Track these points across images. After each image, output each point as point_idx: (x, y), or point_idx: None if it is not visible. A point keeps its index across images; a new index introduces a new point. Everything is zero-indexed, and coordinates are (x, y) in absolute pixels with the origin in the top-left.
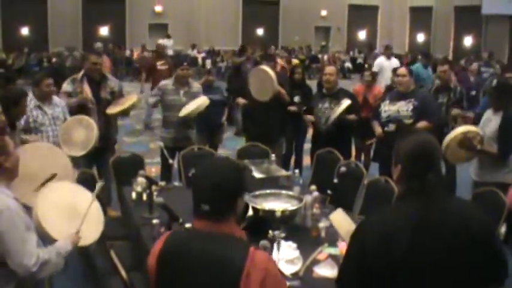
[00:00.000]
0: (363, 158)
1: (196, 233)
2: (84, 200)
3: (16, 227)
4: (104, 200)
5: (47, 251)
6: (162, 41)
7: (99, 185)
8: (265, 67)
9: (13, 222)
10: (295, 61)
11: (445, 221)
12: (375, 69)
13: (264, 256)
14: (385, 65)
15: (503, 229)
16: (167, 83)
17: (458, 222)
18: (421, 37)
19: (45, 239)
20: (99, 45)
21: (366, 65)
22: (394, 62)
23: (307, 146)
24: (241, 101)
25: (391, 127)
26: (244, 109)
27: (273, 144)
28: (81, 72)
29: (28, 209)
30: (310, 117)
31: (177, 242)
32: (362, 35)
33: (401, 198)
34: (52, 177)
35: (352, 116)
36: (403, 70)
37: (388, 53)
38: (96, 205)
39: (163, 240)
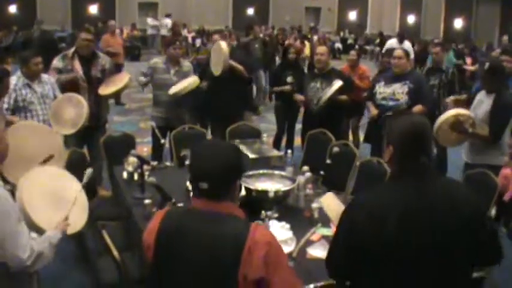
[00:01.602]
0: (351, 138)
1: (195, 211)
2: (70, 186)
3: (8, 218)
4: (94, 179)
5: (40, 242)
6: (164, 21)
7: (88, 172)
8: (220, 42)
9: (5, 213)
10: (322, 48)
11: (437, 202)
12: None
13: (266, 231)
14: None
15: (493, 211)
16: (157, 61)
17: (450, 203)
18: (411, 19)
19: (29, 226)
20: (91, 28)
21: (357, 46)
22: (407, 45)
23: (298, 126)
24: (203, 83)
25: (389, 113)
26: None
27: (239, 119)
28: (72, 49)
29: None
30: (300, 97)
31: (176, 219)
32: (352, 15)
33: (393, 179)
34: (49, 158)
35: (343, 97)
36: (399, 52)
37: (401, 36)
38: (82, 192)
39: (161, 217)
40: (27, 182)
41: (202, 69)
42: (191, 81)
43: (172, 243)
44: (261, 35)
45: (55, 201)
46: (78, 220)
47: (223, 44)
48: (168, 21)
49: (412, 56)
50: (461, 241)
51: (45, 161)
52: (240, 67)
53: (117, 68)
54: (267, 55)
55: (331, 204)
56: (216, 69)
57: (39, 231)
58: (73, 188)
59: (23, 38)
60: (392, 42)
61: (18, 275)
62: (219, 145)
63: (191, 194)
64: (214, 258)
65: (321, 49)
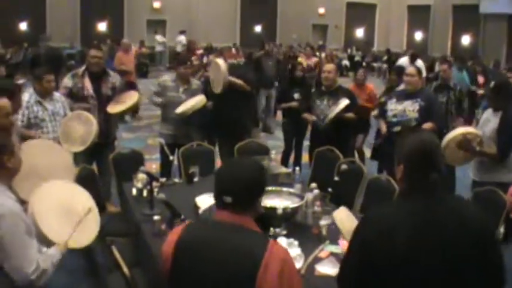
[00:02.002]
0: (356, 155)
1: (216, 223)
2: (82, 203)
3: (18, 231)
4: (103, 195)
5: (46, 259)
6: (178, 38)
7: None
8: (217, 60)
9: (15, 226)
10: (329, 66)
11: (446, 220)
12: None
13: (282, 249)
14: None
15: (501, 229)
16: (167, 79)
17: (459, 221)
18: (419, 35)
19: (39, 238)
20: (103, 48)
21: (364, 63)
22: (419, 64)
23: (306, 143)
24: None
25: (396, 129)
26: (211, 111)
27: (246, 136)
28: (83, 67)
29: (26, 204)
30: (309, 117)
31: (195, 231)
32: (360, 32)
33: (403, 196)
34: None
35: (350, 115)
36: (412, 70)
37: (414, 55)
38: (94, 211)
39: (181, 230)
40: (40, 195)
41: (204, 88)
42: (198, 100)
43: (190, 255)
44: (275, 51)
45: (66, 214)
46: (88, 234)
47: (220, 61)
48: (183, 38)
49: (424, 74)
50: (470, 260)
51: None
52: (239, 81)
53: (130, 86)
54: (280, 73)
55: (344, 219)
56: (217, 87)
57: (49, 244)
58: (84, 202)
59: (32, 54)
60: (403, 61)
61: None
62: (244, 161)
63: (200, 210)
64: (231, 272)
65: (329, 67)
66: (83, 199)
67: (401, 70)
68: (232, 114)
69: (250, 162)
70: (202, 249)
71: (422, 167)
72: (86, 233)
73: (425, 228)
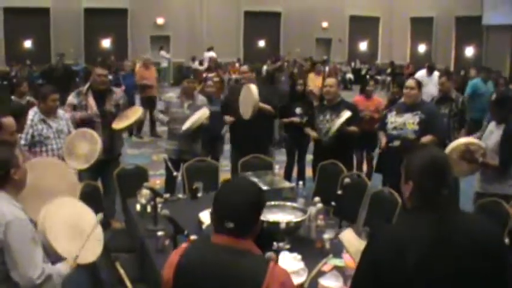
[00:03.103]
0: (364, 169)
1: (216, 247)
2: (88, 220)
3: (24, 238)
4: (107, 211)
5: (51, 267)
6: (207, 54)
7: (98, 217)
8: (250, 85)
9: (21, 233)
10: (330, 80)
11: (459, 236)
12: None
13: (283, 271)
14: (425, 80)
15: (506, 240)
16: (171, 95)
17: (471, 238)
18: (422, 48)
19: (48, 253)
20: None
21: (368, 76)
22: (435, 79)
23: (309, 157)
24: (228, 119)
25: (396, 143)
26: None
27: (264, 154)
28: (87, 85)
29: (35, 224)
30: (312, 133)
31: (196, 254)
32: (363, 46)
33: (414, 214)
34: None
35: (352, 128)
36: (411, 82)
37: (431, 67)
38: (99, 228)
39: (181, 252)
40: (49, 212)
41: (226, 103)
42: (201, 114)
43: (191, 278)
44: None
45: (73, 231)
46: (93, 251)
47: (254, 89)
48: (212, 54)
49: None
50: (482, 277)
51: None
52: (267, 108)
53: (151, 101)
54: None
55: (352, 240)
56: (246, 113)
57: (59, 259)
58: (90, 220)
59: (42, 70)
60: (421, 74)
61: None
62: (244, 184)
63: (203, 226)
64: None
65: (330, 81)
66: (89, 216)
67: (403, 82)
68: (254, 134)
69: (250, 185)
70: (203, 274)
71: (434, 183)
72: (91, 250)
73: (437, 245)
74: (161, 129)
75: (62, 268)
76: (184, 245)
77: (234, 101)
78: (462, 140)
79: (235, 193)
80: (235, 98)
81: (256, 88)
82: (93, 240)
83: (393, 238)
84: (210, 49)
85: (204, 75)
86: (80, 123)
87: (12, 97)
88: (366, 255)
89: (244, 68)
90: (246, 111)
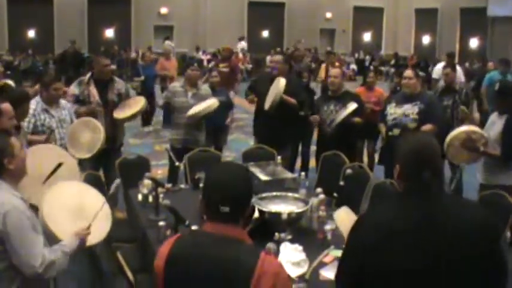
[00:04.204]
0: (365, 161)
1: (207, 237)
2: (93, 199)
3: (23, 227)
4: (112, 200)
5: (53, 250)
6: (239, 44)
7: (116, 182)
8: (281, 78)
9: (20, 222)
10: (334, 71)
11: (442, 219)
12: (434, 75)
13: (275, 261)
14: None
15: (508, 233)
16: (176, 84)
17: (456, 220)
18: (426, 39)
19: (51, 239)
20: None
21: (371, 67)
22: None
23: (313, 148)
24: (250, 98)
25: (395, 132)
26: (256, 111)
27: (281, 147)
28: (88, 75)
29: (37, 209)
30: (315, 117)
31: (186, 244)
32: (367, 37)
33: (400, 197)
34: (58, 166)
35: (357, 119)
36: (409, 72)
37: (450, 60)
38: (106, 205)
39: (172, 242)
40: (49, 196)
41: (251, 86)
42: (210, 103)
43: (182, 267)
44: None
45: (78, 213)
46: (99, 231)
47: (281, 83)
48: (244, 45)
49: (463, 79)
50: (469, 259)
51: (54, 171)
52: (291, 100)
53: None
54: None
55: (344, 218)
56: (266, 103)
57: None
58: (96, 200)
59: (56, 56)
60: (441, 67)
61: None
62: (231, 167)
63: (204, 216)
64: (223, 285)
65: (334, 71)
66: (94, 197)
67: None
68: (275, 125)
69: (238, 167)
70: (193, 264)
71: (414, 167)
72: (99, 230)
73: (420, 231)
74: (155, 119)
75: (67, 244)
76: (175, 237)
77: (260, 86)
78: (463, 128)
79: (226, 176)
80: (262, 83)
81: (284, 83)
82: (101, 221)
83: (374, 223)
84: (241, 39)
85: (210, 65)
86: (82, 115)
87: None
88: (349, 241)
89: (278, 57)
90: (267, 101)
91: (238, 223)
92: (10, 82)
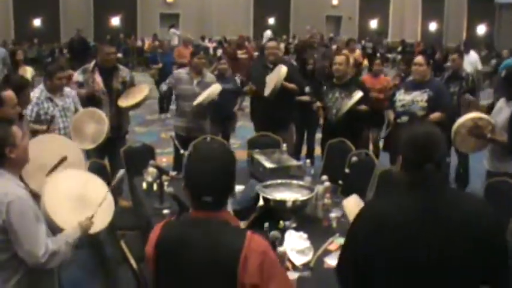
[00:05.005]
0: (371, 148)
1: (193, 221)
2: (96, 188)
3: (26, 217)
4: (115, 190)
5: (56, 240)
6: (266, 33)
7: (120, 172)
8: (282, 66)
9: (23, 212)
10: (339, 58)
11: (443, 211)
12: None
13: (261, 240)
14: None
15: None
16: (181, 71)
17: (456, 213)
18: (433, 26)
19: (53, 229)
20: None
21: (378, 54)
22: (473, 57)
23: (318, 136)
24: (249, 87)
25: (404, 119)
26: (252, 97)
27: (283, 131)
28: (93, 62)
29: (39, 199)
30: (316, 105)
31: (174, 229)
32: (373, 24)
33: (401, 188)
34: (62, 160)
35: (363, 107)
36: (419, 59)
37: (468, 44)
38: (109, 194)
39: (160, 228)
40: (51, 185)
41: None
42: (213, 89)
43: (171, 253)
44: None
45: (80, 203)
46: (101, 220)
47: (284, 69)
48: (270, 33)
49: (480, 67)
50: (468, 256)
51: (58, 164)
52: (291, 86)
53: None
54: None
55: (353, 206)
56: (266, 90)
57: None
58: (99, 189)
59: (48, 50)
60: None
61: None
62: (216, 153)
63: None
64: (213, 267)
65: (339, 59)
66: (97, 186)
67: (411, 60)
68: (273, 110)
69: (221, 151)
70: (181, 249)
71: (415, 157)
72: (101, 219)
73: (423, 220)
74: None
75: (70, 234)
76: (163, 222)
77: (255, 72)
78: (470, 115)
79: (207, 166)
80: (257, 70)
81: (285, 70)
82: (103, 210)
83: (374, 214)
84: (268, 28)
85: (219, 54)
86: (86, 100)
87: None
88: (350, 231)
89: (272, 43)
90: (267, 88)
91: (220, 209)
92: (30, 69)
